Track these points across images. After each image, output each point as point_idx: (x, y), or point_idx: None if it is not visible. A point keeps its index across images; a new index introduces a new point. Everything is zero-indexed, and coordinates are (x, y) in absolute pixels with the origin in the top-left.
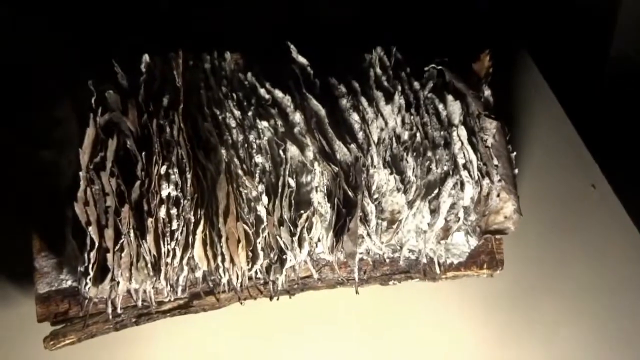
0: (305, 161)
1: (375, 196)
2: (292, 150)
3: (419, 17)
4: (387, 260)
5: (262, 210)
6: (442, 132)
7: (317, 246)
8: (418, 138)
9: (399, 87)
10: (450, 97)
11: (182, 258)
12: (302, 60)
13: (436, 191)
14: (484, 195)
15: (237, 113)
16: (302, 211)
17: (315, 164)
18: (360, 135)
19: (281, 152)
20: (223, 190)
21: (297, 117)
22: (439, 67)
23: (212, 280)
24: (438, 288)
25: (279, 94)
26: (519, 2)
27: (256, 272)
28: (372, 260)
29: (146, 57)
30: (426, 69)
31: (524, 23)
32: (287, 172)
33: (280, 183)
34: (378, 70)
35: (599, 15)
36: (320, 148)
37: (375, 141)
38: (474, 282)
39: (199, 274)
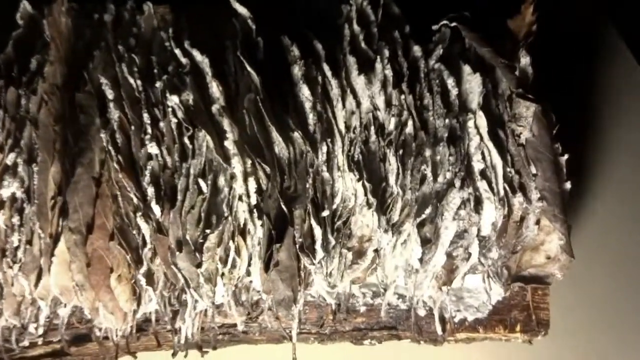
0: (225, 156)
1: (340, 213)
2: (205, 138)
3: None
4: (363, 309)
5: (145, 227)
6: (449, 121)
7: (244, 280)
8: (409, 128)
9: (386, 52)
10: (466, 68)
11: (35, 286)
12: (241, 10)
13: (429, 210)
14: (515, 221)
15: (135, 83)
16: (211, 230)
17: (236, 159)
18: (312, 119)
19: (186, 140)
20: (87, 192)
21: (215, 89)
22: (454, 25)
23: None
24: (444, 354)
25: (197, 56)
26: None
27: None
28: (336, 305)
29: (26, 5)
30: (435, 27)
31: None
32: (195, 171)
33: (182, 186)
34: (355, 26)
35: None
36: (248, 137)
37: (341, 130)
38: (501, 349)
39: (65, 311)
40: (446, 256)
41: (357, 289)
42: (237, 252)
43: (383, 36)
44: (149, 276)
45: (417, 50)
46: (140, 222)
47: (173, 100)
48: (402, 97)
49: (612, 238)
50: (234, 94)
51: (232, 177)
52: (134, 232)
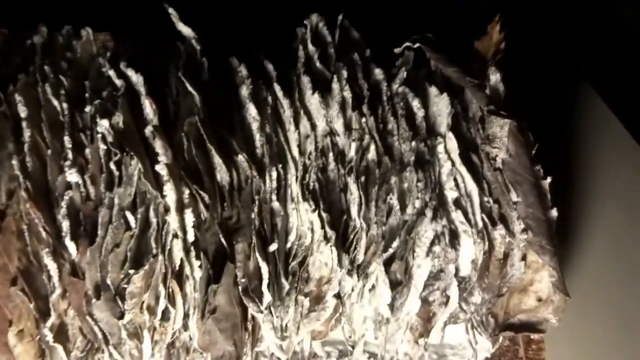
0: (156, 182)
1: (295, 252)
2: (137, 165)
3: None
4: None
5: (56, 268)
6: (415, 144)
7: (181, 337)
8: (372, 153)
9: (344, 73)
10: (433, 90)
11: None
12: (185, 31)
13: (396, 243)
14: (498, 259)
15: (61, 106)
16: (136, 271)
17: (169, 186)
18: (259, 141)
19: (113, 167)
20: None
21: (148, 108)
22: (418, 47)
23: None
24: None
25: (132, 75)
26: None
27: None
28: None
29: None
30: (397, 50)
31: (579, 49)
32: (121, 201)
33: (105, 219)
34: (310, 47)
35: None
36: (186, 162)
37: (294, 156)
38: None
39: None
40: (421, 301)
41: (320, 347)
42: (171, 299)
43: (341, 58)
44: (60, 331)
45: (378, 73)
46: (49, 262)
47: (103, 125)
48: (363, 120)
49: (610, 274)
50: (174, 117)
51: (166, 209)
52: (43, 276)
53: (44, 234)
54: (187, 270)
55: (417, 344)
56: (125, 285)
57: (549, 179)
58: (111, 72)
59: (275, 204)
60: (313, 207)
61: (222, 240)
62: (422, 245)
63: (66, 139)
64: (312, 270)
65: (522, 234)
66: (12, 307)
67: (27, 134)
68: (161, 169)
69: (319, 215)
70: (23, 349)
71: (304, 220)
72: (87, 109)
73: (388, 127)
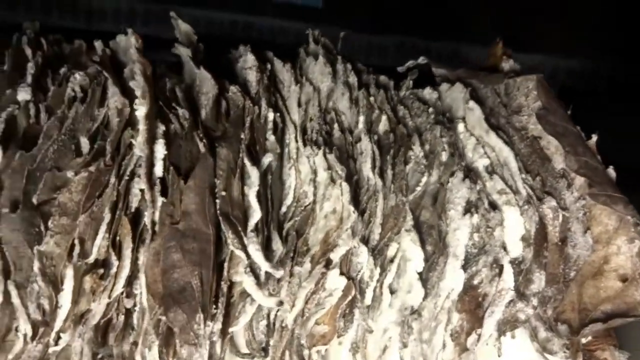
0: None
1: (291, 215)
2: (110, 90)
3: None
4: None
5: None
6: (433, 116)
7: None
8: (384, 124)
9: (349, 66)
10: (444, 86)
11: None
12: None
13: (423, 212)
14: (554, 242)
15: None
16: (78, 170)
17: (139, 100)
18: (254, 86)
19: (76, 87)
20: None
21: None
22: (424, 63)
23: None
24: None
25: None
26: None
27: None
28: None
29: None
30: (401, 69)
31: None
32: (73, 121)
33: (49, 133)
34: (313, 45)
35: None
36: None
37: (291, 115)
38: None
39: None
40: (464, 282)
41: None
42: (115, 247)
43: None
44: None
45: (384, 79)
46: None
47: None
48: (371, 98)
49: None
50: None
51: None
52: None
53: None
54: (147, 198)
55: (466, 349)
56: (53, 208)
57: (594, 137)
58: None
59: (272, 138)
60: (316, 151)
61: (201, 145)
62: (455, 206)
63: (29, 65)
64: (312, 239)
65: (579, 202)
66: None
67: None
68: (136, 85)
69: (324, 156)
70: None
71: (304, 177)
72: None
73: (398, 113)
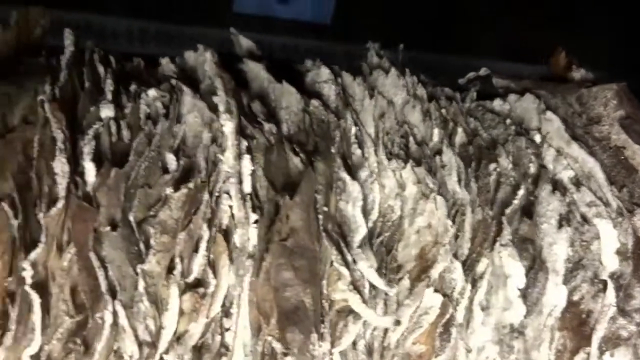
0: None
1: (378, 231)
2: (186, 100)
3: None
4: None
5: (64, 172)
6: (512, 127)
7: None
8: (460, 136)
9: (414, 78)
10: (512, 96)
11: None
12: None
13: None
14: None
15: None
16: (179, 188)
17: (225, 116)
18: (334, 91)
19: (158, 104)
20: None
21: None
22: (486, 75)
23: None
24: None
25: None
26: None
27: None
28: None
29: None
30: (462, 80)
31: None
32: (159, 138)
33: (138, 148)
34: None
35: None
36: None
37: (369, 132)
38: None
39: None
40: (565, 297)
41: None
42: (211, 264)
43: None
44: (43, 279)
45: (449, 91)
46: (60, 163)
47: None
48: (443, 110)
49: None
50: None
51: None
52: (44, 185)
53: (59, 142)
54: (239, 215)
55: None
56: (153, 214)
57: None
58: None
59: (358, 152)
60: (402, 164)
61: (297, 160)
62: (548, 220)
63: (108, 81)
64: (400, 255)
65: None
66: None
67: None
68: (220, 100)
69: (412, 170)
70: None
71: (389, 191)
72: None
73: (470, 125)
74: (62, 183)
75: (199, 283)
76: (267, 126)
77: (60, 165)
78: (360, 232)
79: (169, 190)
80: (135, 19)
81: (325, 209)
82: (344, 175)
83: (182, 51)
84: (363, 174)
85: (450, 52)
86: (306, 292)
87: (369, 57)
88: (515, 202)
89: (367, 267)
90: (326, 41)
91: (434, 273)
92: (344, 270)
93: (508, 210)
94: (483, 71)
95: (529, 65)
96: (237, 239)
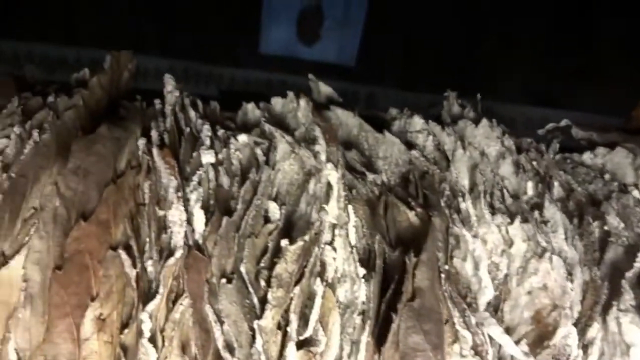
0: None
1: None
2: (280, 147)
3: None
4: None
5: (180, 221)
6: (613, 184)
7: None
8: (557, 190)
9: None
10: (600, 149)
11: None
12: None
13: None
14: None
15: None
16: (295, 241)
17: (329, 165)
18: (431, 144)
19: (258, 150)
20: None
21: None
22: (565, 125)
23: None
24: None
25: None
26: None
27: None
28: None
29: None
30: (541, 131)
31: None
32: (262, 187)
33: (245, 197)
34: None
35: None
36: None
37: (463, 183)
38: None
39: None
40: None
41: None
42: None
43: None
44: (158, 330)
45: (533, 142)
46: (175, 211)
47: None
48: (534, 163)
49: None
50: None
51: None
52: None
53: (172, 189)
54: (346, 269)
55: None
56: (268, 268)
57: None
58: None
59: (463, 205)
60: (508, 219)
61: (411, 214)
62: None
63: (205, 127)
64: (509, 315)
65: None
66: (103, 278)
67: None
68: (321, 149)
69: (521, 226)
70: (95, 349)
71: (490, 247)
72: None
73: (560, 178)
74: (179, 232)
75: (308, 340)
76: (371, 177)
77: (178, 214)
78: (487, 293)
79: (284, 243)
80: (164, 57)
81: (447, 267)
82: (463, 232)
83: (210, 90)
84: (480, 230)
85: (472, 96)
86: (437, 358)
87: (446, 106)
88: (637, 265)
89: (500, 333)
90: (350, 82)
91: (557, 339)
92: (466, 333)
93: (630, 274)
94: (564, 122)
95: (555, 110)
96: (342, 293)
